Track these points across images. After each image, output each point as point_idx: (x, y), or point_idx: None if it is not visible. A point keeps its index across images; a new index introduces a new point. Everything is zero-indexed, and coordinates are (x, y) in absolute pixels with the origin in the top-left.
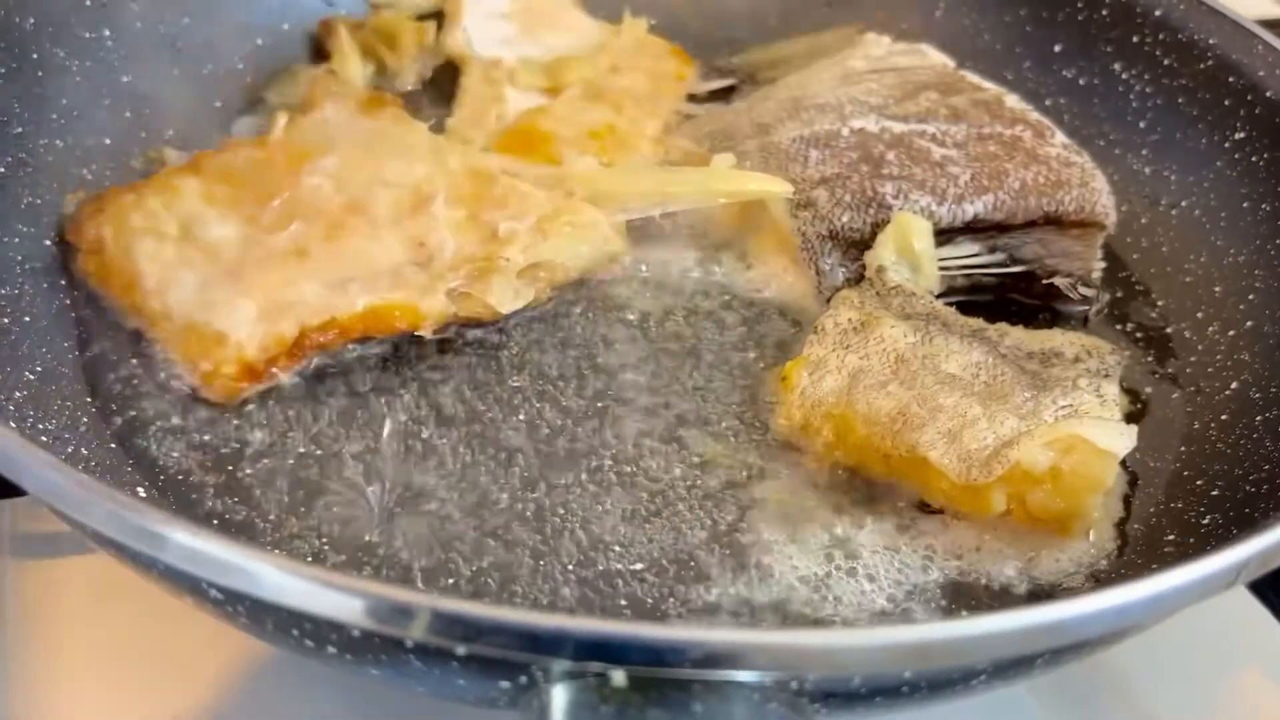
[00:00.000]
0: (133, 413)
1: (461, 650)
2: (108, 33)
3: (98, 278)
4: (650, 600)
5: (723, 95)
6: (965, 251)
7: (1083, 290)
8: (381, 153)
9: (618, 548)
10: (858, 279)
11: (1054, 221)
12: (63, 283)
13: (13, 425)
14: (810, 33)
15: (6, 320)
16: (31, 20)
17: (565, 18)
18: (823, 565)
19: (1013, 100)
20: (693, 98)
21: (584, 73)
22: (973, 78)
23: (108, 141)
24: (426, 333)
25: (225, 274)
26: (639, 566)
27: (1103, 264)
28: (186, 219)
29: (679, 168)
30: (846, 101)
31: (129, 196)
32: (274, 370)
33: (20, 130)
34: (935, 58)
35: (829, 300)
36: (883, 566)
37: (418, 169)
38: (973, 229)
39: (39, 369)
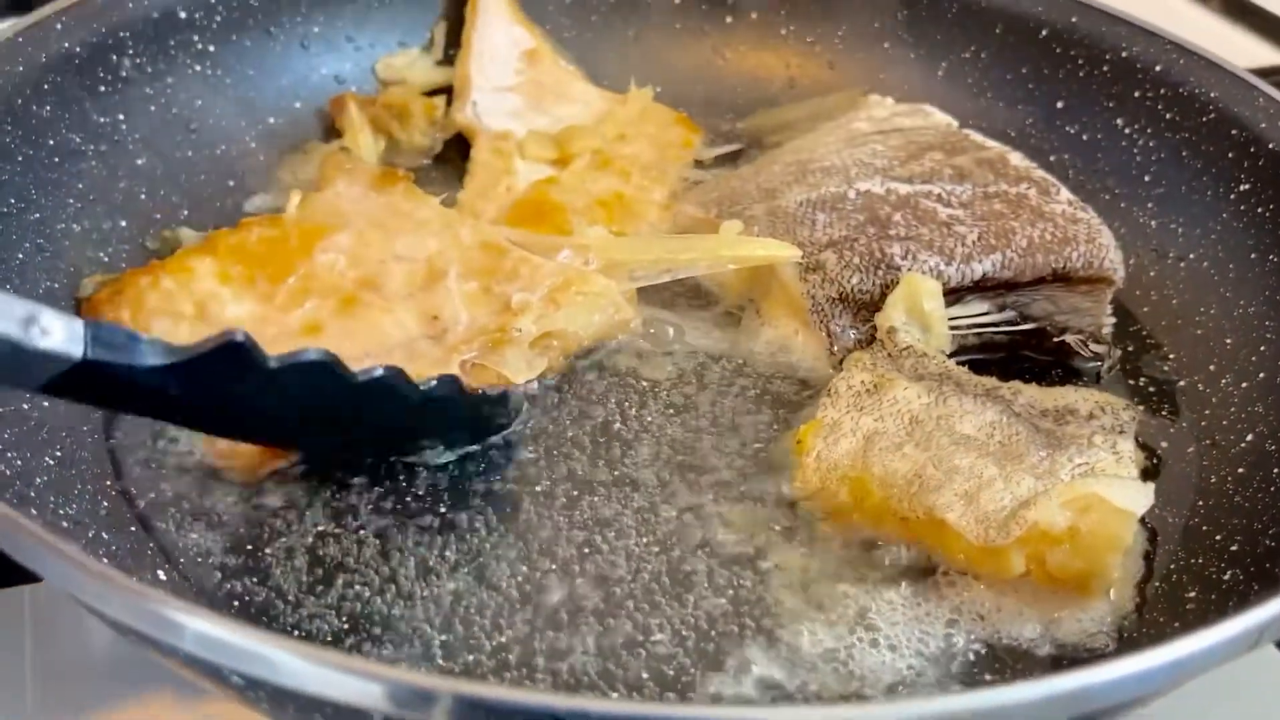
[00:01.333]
0: (152, 495)
1: None
2: (122, 117)
3: None
4: (672, 672)
5: (729, 160)
6: (975, 310)
7: (1094, 347)
8: (394, 228)
9: (638, 618)
10: (869, 341)
11: (1062, 278)
12: None
13: (34, 512)
14: (813, 96)
15: (26, 406)
16: (48, 108)
17: (572, 89)
18: (844, 634)
19: (1017, 158)
20: (699, 164)
21: (591, 143)
22: (976, 136)
23: (123, 224)
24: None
25: None
26: (659, 637)
27: (1112, 319)
28: (202, 299)
29: (687, 235)
30: (852, 164)
31: (145, 279)
32: None
33: (38, 216)
34: (939, 118)
35: (841, 362)
36: (904, 633)
37: (430, 243)
38: (981, 288)
39: (59, 454)
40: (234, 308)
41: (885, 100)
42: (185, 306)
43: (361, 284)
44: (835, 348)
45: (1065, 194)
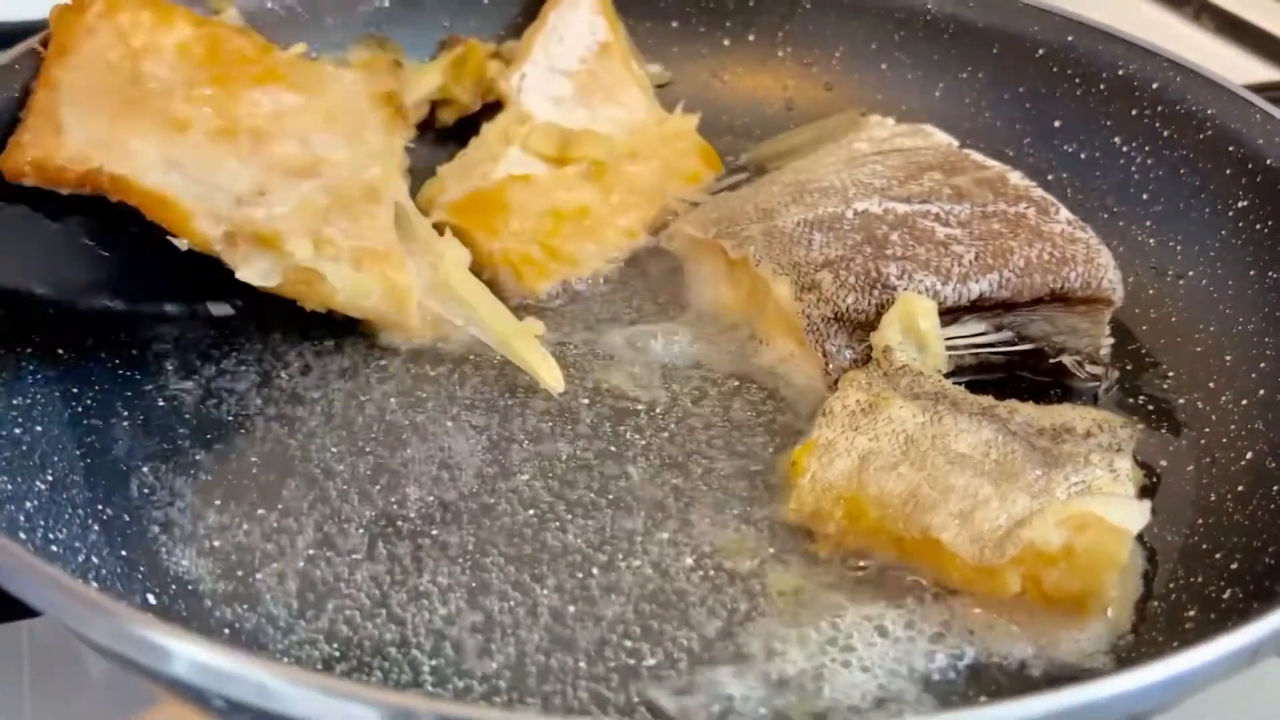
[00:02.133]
0: (143, 520)
1: None
2: None
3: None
4: (663, 698)
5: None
6: (971, 330)
7: (1090, 369)
8: (338, 125)
9: (629, 642)
10: (865, 360)
11: (1060, 298)
12: (74, 391)
13: (23, 536)
14: (811, 117)
15: (19, 430)
16: None
17: (626, 94)
18: (836, 654)
19: (1016, 177)
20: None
21: (597, 152)
22: (976, 156)
23: None
24: (183, 246)
25: (125, 100)
26: (652, 662)
27: (1110, 340)
28: (149, 46)
29: (500, 308)
30: (850, 184)
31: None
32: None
33: None
34: (939, 137)
35: (836, 382)
36: (901, 653)
37: (341, 154)
38: (978, 308)
39: (50, 478)
40: (157, 67)
41: (886, 121)
42: (135, 40)
43: (255, 132)
44: (831, 367)
45: (1064, 213)
